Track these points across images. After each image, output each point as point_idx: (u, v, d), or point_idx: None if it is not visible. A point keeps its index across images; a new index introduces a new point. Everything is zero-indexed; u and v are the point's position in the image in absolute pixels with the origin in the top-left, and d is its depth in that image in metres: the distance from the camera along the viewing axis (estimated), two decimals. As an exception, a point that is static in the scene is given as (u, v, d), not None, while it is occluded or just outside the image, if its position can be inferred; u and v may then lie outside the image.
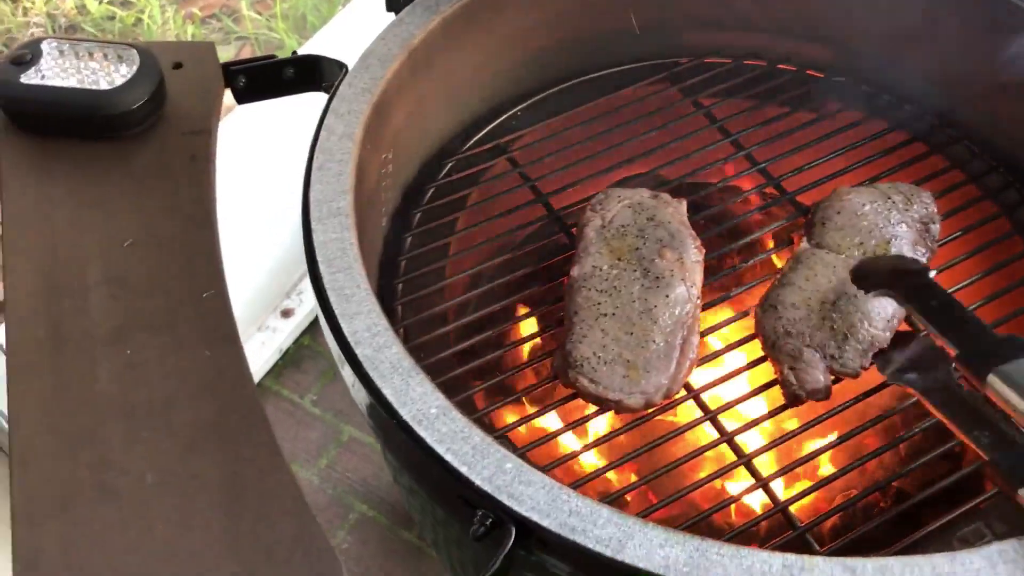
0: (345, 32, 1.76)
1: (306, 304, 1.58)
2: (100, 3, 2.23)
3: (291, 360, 1.55)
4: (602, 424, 0.89)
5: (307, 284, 1.68)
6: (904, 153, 0.96)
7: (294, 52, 0.88)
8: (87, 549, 0.55)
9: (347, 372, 0.68)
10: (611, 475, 0.88)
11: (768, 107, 1.01)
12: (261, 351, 1.53)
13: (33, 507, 0.56)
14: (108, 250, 0.69)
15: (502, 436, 0.75)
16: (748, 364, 0.81)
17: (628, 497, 0.85)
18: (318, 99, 0.85)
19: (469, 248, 0.92)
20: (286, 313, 1.57)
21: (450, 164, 0.97)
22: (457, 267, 0.91)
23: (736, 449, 0.76)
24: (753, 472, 0.75)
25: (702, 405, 0.79)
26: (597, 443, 0.78)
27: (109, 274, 0.68)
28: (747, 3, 1.04)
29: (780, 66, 1.04)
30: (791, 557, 0.56)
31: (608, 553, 0.56)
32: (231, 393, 0.61)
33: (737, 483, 0.84)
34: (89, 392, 0.61)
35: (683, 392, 0.78)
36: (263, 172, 1.46)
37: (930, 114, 0.99)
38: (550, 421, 0.91)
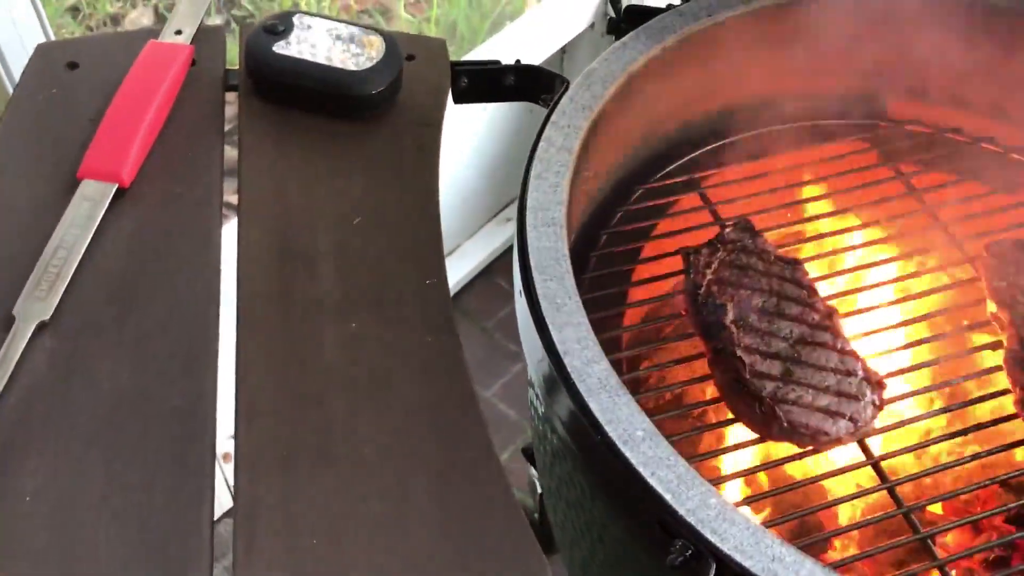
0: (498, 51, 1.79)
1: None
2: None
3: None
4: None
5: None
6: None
7: (517, 61, 0.89)
8: (304, 507, 0.56)
9: (545, 382, 0.69)
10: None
11: (968, 183, 0.99)
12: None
13: (256, 460, 0.58)
14: (337, 224, 0.72)
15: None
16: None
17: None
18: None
19: (652, 279, 0.92)
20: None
21: (640, 191, 0.98)
22: (637, 295, 0.91)
23: (912, 524, 0.75)
24: (930, 552, 0.73)
25: (881, 474, 0.77)
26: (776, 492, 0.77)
27: (338, 247, 0.70)
28: (955, 76, 1.03)
29: (983, 145, 1.02)
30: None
31: (810, 606, 0.56)
32: (449, 381, 0.63)
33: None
34: (315, 358, 0.63)
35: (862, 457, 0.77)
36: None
37: None
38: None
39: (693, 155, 1.01)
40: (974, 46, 0.99)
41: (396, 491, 0.57)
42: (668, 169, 1.00)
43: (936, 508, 0.92)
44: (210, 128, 0.78)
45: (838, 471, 0.77)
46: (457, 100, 0.89)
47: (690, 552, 0.58)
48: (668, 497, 0.60)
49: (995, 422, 0.80)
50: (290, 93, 0.78)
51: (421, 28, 2.32)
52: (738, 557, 0.57)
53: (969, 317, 0.89)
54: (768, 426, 0.76)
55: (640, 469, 0.61)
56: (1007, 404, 0.80)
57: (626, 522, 0.66)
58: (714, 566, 0.58)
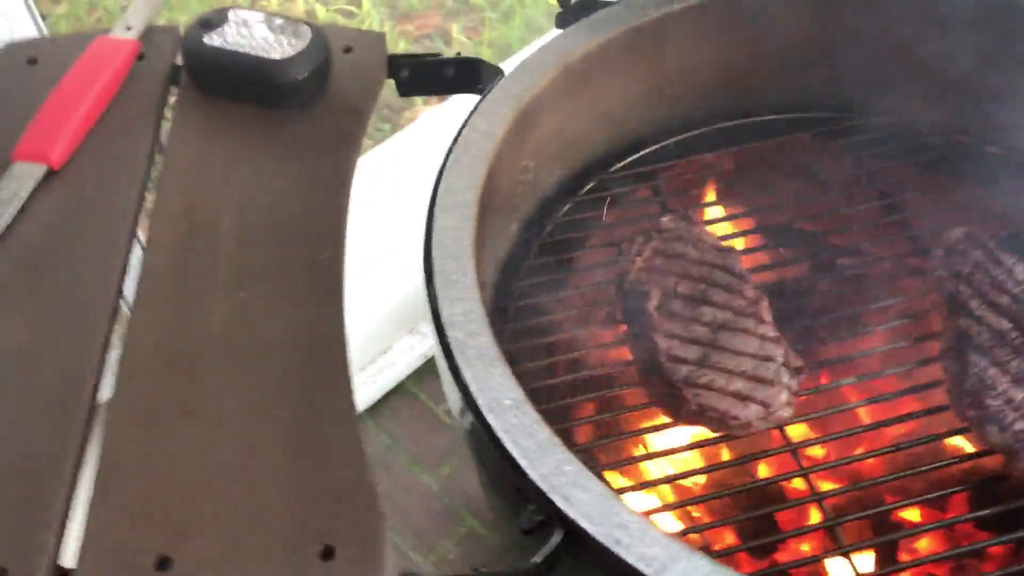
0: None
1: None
2: (327, 10, 2.38)
3: (434, 367, 1.53)
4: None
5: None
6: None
7: (458, 53, 0.91)
8: (163, 459, 0.58)
9: (439, 358, 0.70)
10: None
11: (928, 175, 0.96)
12: (408, 354, 1.50)
13: (124, 417, 0.61)
14: (246, 204, 0.74)
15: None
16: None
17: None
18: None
19: (594, 266, 0.92)
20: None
21: (592, 183, 0.98)
22: (579, 280, 0.91)
23: (823, 511, 0.72)
24: (836, 537, 0.71)
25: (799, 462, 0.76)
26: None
27: (242, 225, 0.73)
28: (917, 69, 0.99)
29: (956, 138, 0.99)
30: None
31: (649, 573, 0.55)
32: (324, 349, 0.64)
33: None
34: (199, 326, 0.66)
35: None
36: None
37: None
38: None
39: (649, 148, 1.01)
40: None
41: (250, 444, 0.59)
42: (623, 162, 1.00)
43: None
44: (147, 118, 0.81)
45: (755, 456, 0.75)
46: (401, 92, 0.91)
47: (540, 519, 0.58)
48: (523, 463, 0.60)
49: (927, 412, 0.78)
50: (222, 83, 0.81)
51: (477, 51, 2.37)
52: (583, 523, 0.57)
53: (917, 307, 0.86)
54: (678, 409, 0.75)
55: (501, 435, 0.61)
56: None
57: (499, 493, 0.66)
58: (561, 532, 0.57)
